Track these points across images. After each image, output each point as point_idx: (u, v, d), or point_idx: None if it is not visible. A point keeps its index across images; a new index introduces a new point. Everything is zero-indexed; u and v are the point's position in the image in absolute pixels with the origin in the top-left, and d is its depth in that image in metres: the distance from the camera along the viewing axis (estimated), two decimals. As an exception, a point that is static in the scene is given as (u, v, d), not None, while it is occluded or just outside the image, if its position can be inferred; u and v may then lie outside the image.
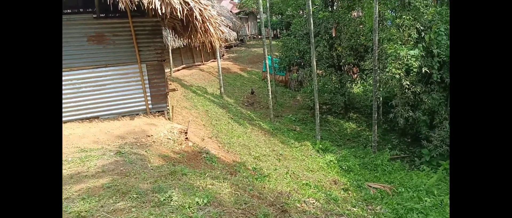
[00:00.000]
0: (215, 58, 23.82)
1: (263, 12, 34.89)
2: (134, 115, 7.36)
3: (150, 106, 7.45)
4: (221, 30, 6.59)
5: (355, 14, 18.86)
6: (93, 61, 6.87)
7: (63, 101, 6.73)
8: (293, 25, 18.38)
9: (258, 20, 34.73)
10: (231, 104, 16.47)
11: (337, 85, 16.01)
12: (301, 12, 24.25)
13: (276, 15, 33.63)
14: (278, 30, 34.28)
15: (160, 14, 5.75)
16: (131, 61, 7.14)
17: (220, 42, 6.65)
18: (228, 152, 7.55)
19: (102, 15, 7.54)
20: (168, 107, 7.72)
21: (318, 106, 12.94)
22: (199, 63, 22.04)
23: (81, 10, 8.99)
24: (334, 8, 17.26)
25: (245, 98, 18.99)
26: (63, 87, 6.71)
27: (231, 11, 30.59)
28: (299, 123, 16.38)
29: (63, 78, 6.69)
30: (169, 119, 7.66)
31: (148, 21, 7.16)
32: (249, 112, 16.57)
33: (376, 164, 9.21)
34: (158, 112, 7.60)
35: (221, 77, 17.43)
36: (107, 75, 7.03)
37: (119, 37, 6.98)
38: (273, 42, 26.94)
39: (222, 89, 17.48)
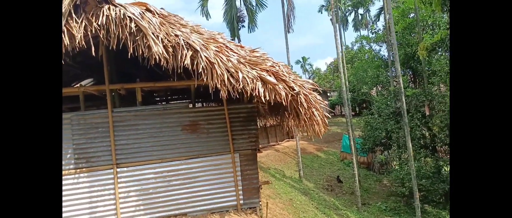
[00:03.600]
0: (289, 138, 23.06)
1: (334, 90, 34.43)
2: (224, 211, 6.48)
3: (241, 201, 6.54)
4: (326, 116, 5.75)
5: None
6: (186, 152, 6.37)
7: (153, 196, 6.17)
8: (376, 103, 17.15)
9: (329, 98, 34.17)
10: (312, 190, 15.02)
11: (434, 170, 13.85)
12: (379, 88, 23.02)
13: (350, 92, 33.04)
14: (352, 108, 33.23)
15: (263, 101, 5.12)
16: (224, 150, 6.52)
17: (326, 128, 5.75)
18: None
19: (197, 103, 7.28)
20: (260, 203, 6.74)
21: (417, 196, 10.96)
22: (274, 143, 21.38)
23: (179, 97, 9.00)
24: (423, 83, 15.85)
25: (325, 182, 17.41)
26: (154, 180, 6.20)
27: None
28: (391, 212, 14.16)
29: (154, 171, 6.22)
30: (261, 217, 6.62)
31: (243, 107, 6.65)
32: (332, 199, 14.85)
33: None
34: (250, 208, 6.64)
35: (300, 159, 16.33)
36: (198, 166, 6.43)
37: (213, 125, 6.50)
38: (343, 120, 25.69)
39: (301, 172, 16.25)
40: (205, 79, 5.07)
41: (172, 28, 5.18)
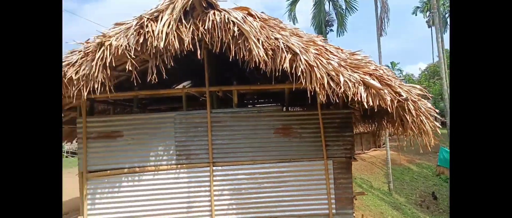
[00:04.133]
0: (376, 147, 21.71)
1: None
2: (314, 219, 6.27)
3: (333, 211, 6.25)
4: (437, 126, 5.14)
5: None
6: (277, 155, 6.33)
7: (245, 196, 6.27)
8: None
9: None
10: (404, 205, 13.81)
11: None
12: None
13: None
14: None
15: (365, 106, 4.78)
16: (316, 156, 6.31)
17: (436, 140, 5.14)
18: None
19: (290, 107, 7.22)
20: (354, 214, 6.35)
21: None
22: (359, 152, 20.33)
23: (271, 101, 9.10)
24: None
25: (418, 197, 15.88)
26: (246, 181, 6.30)
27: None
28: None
29: (247, 171, 6.32)
30: (355, 229, 6.23)
31: (338, 113, 6.36)
32: (427, 217, 13.43)
33: None
34: (342, 218, 6.30)
35: (390, 171, 15.18)
36: (289, 171, 6.34)
37: (306, 130, 6.35)
38: (443, 131, 23.06)
39: (391, 185, 15.08)
40: (303, 83, 4.95)
41: (272, 31, 5.18)
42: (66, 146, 24.60)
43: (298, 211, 6.30)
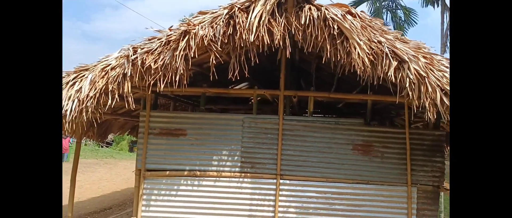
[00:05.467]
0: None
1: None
2: (391, 253, 5.48)
3: (414, 246, 5.44)
4: None
5: None
6: (354, 175, 5.61)
7: (312, 216, 5.60)
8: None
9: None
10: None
11: None
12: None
13: None
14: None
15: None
16: (399, 181, 5.54)
17: None
18: None
19: (373, 122, 6.50)
20: (437, 253, 5.50)
21: None
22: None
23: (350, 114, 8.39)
24: None
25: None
26: (316, 200, 5.62)
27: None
28: None
29: (317, 189, 5.65)
30: None
31: (428, 134, 5.59)
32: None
33: None
34: (423, 256, 5.47)
35: (442, 199, 13.97)
36: (366, 194, 5.60)
37: (389, 149, 5.60)
38: None
39: (443, 215, 13.85)
40: (410, 96, 4.26)
41: (374, 33, 4.53)
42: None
43: (372, 240, 5.54)
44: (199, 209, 5.65)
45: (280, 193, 5.62)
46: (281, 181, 5.64)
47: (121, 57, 4.67)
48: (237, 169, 5.71)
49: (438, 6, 15.61)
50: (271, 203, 5.62)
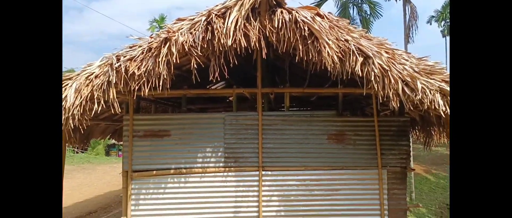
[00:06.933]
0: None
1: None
2: (366, 230, 6.02)
3: (386, 222, 6.00)
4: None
5: None
6: (330, 162, 6.09)
7: (294, 203, 6.03)
8: None
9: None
10: (427, 216, 13.59)
11: None
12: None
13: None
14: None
15: (443, 115, 4.55)
16: (370, 165, 6.06)
17: None
18: None
19: (345, 112, 6.98)
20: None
21: None
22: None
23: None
24: None
25: (437, 209, 15.61)
26: (296, 188, 6.06)
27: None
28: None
29: (297, 178, 6.08)
30: (408, 243, 5.97)
31: (395, 120, 6.13)
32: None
33: None
34: (394, 231, 6.05)
35: (413, 180, 14.94)
36: (341, 178, 6.09)
37: (360, 136, 6.10)
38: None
39: (413, 194, 14.85)
40: (376, 88, 4.72)
41: (341, 32, 4.96)
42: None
43: (349, 221, 6.05)
44: (187, 205, 5.95)
45: (263, 183, 6.01)
46: (264, 172, 6.02)
47: (104, 65, 4.85)
48: (221, 165, 6.04)
49: (400, -2, 16.42)
50: (255, 193, 6.00)
